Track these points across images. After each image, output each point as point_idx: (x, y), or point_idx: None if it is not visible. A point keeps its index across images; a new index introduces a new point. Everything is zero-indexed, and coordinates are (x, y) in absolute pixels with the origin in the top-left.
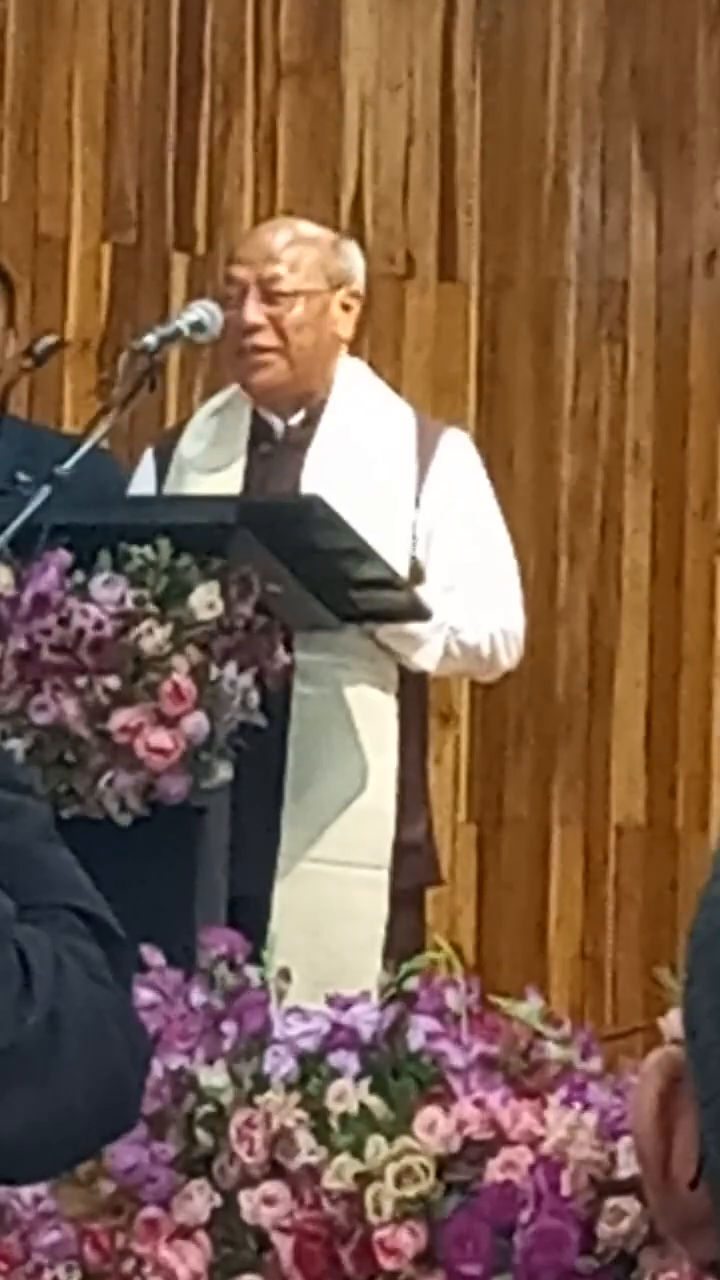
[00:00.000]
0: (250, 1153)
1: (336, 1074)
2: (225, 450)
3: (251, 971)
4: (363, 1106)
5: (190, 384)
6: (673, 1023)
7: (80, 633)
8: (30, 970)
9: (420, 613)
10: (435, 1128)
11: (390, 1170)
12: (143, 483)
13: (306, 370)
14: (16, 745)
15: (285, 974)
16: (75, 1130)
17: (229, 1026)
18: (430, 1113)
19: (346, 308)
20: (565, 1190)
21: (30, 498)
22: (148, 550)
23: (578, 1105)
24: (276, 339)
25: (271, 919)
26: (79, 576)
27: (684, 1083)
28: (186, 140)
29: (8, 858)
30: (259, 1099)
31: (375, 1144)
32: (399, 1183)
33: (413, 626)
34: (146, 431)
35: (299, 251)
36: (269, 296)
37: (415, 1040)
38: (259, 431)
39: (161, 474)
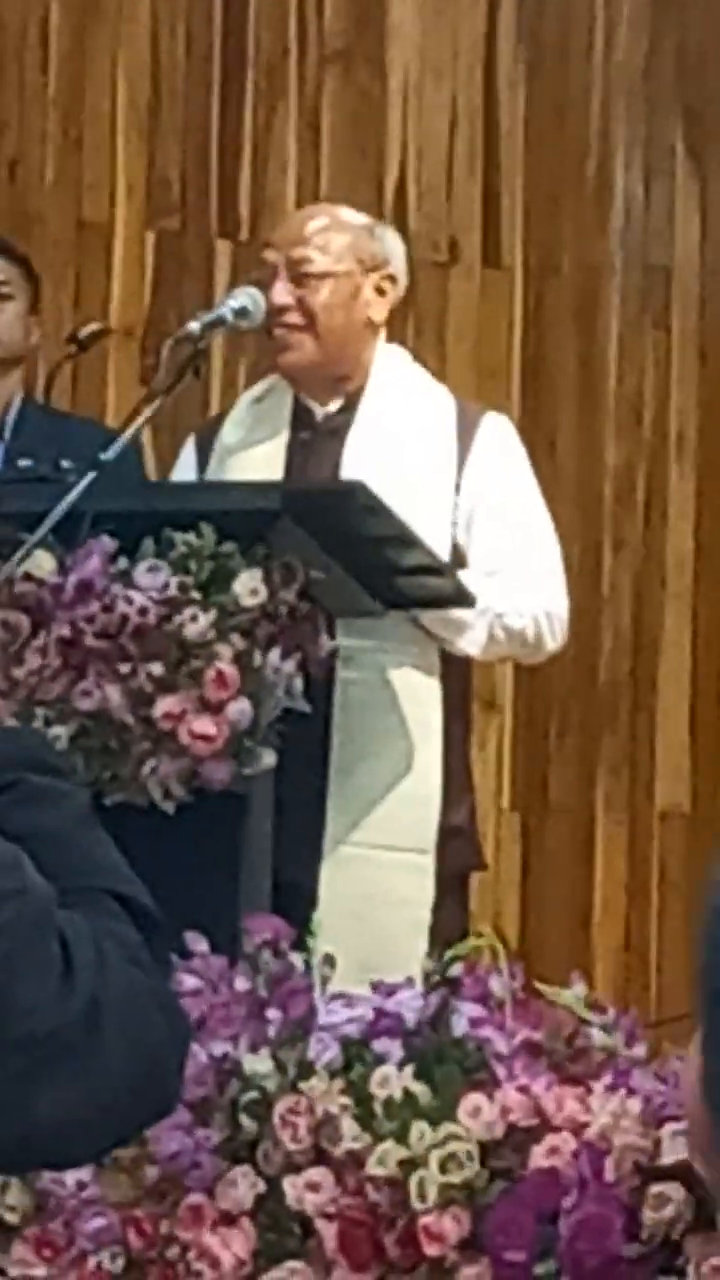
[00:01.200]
0: (294, 1139)
1: (381, 1060)
2: (266, 437)
3: (295, 958)
4: (407, 1093)
5: (234, 371)
6: None
7: (124, 619)
8: (71, 956)
9: (464, 599)
10: (479, 1114)
11: (434, 1157)
12: (184, 471)
13: (337, 353)
14: (61, 732)
15: (329, 960)
16: (116, 1114)
17: (273, 1013)
18: (474, 1099)
19: (381, 291)
20: (609, 1176)
21: (73, 484)
22: (191, 537)
23: (622, 1091)
24: (303, 319)
25: (316, 905)
26: (123, 563)
27: None
28: (230, 127)
29: (48, 843)
30: (303, 1085)
31: (419, 1130)
32: (443, 1169)
33: (457, 612)
34: (190, 419)
35: (330, 234)
36: (298, 278)
37: (459, 1026)
38: (299, 418)
39: (203, 462)
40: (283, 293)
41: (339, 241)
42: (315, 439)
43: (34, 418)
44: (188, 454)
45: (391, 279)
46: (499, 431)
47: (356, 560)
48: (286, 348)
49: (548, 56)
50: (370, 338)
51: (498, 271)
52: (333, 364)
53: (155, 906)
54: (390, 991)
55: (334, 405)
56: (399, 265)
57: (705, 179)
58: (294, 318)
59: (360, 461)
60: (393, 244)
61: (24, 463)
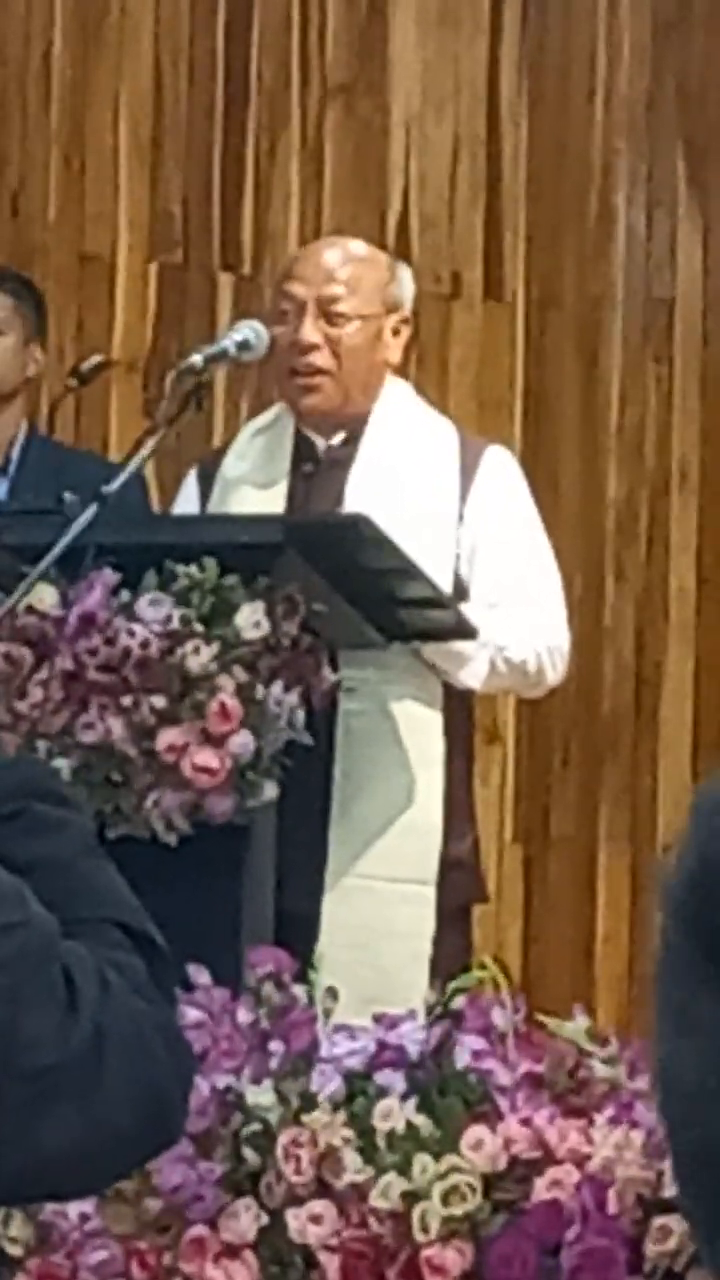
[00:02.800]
0: (297, 1171)
1: (383, 1092)
2: (268, 469)
3: (298, 990)
4: (409, 1125)
5: (237, 403)
6: None
7: (126, 652)
8: (75, 988)
9: (466, 631)
10: (482, 1146)
11: (437, 1189)
12: (187, 502)
13: (355, 395)
14: (63, 765)
15: (332, 992)
16: (120, 1145)
17: (276, 1045)
18: (477, 1131)
19: (396, 333)
20: (612, 1209)
21: (75, 517)
22: (194, 569)
23: (625, 1124)
24: (331, 360)
25: (319, 937)
26: (125, 596)
27: None
28: (232, 160)
29: (52, 872)
30: (306, 1118)
31: (422, 1163)
32: (446, 1201)
33: (458, 645)
34: (193, 451)
35: (359, 273)
36: (328, 316)
37: (462, 1059)
38: (302, 450)
39: (205, 494)
40: (311, 331)
41: (369, 282)
42: (318, 472)
43: (39, 451)
44: (190, 485)
45: (406, 321)
46: (501, 465)
47: (359, 592)
48: (309, 390)
49: (550, 89)
50: (383, 376)
51: (499, 304)
52: (348, 406)
53: (160, 937)
54: (393, 1024)
55: (337, 438)
56: (410, 304)
57: (707, 211)
58: (321, 358)
59: (363, 494)
60: (409, 284)
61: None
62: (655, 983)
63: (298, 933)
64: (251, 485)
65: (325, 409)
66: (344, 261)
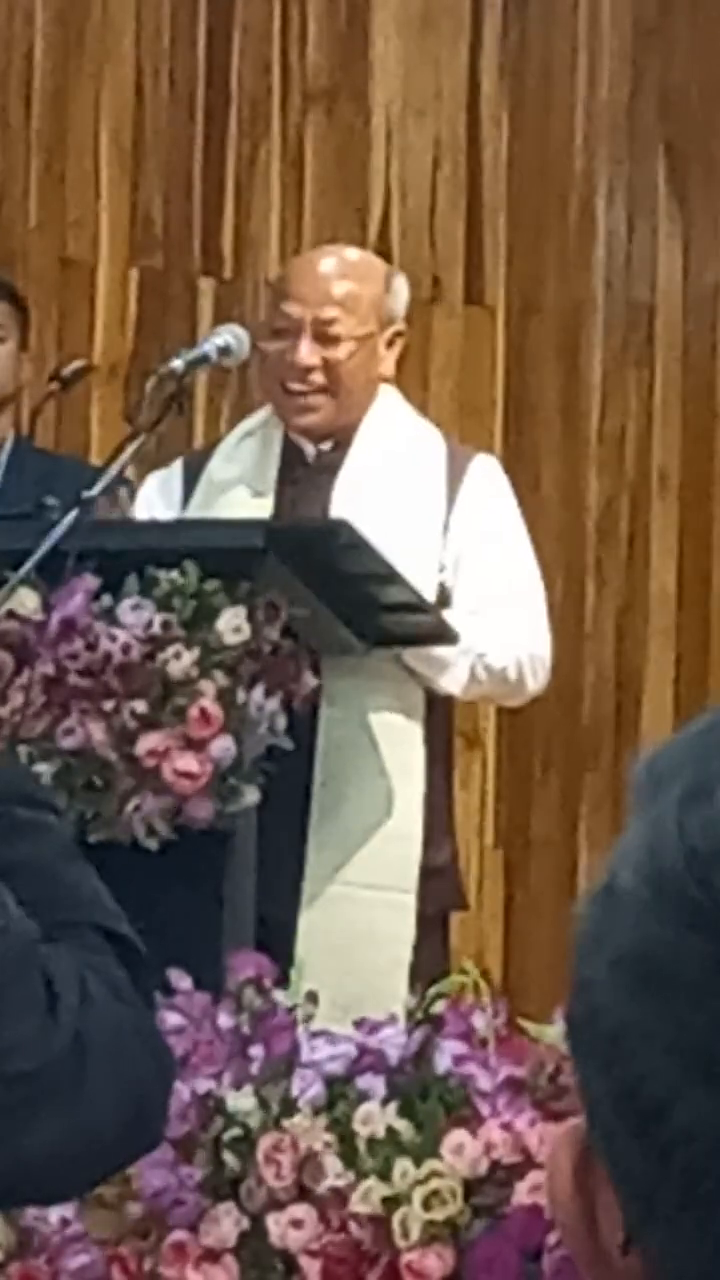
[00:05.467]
0: (278, 1176)
1: (364, 1097)
2: (256, 474)
3: (279, 995)
4: (390, 1130)
5: (218, 408)
6: None
7: (107, 657)
8: (55, 993)
9: (447, 637)
10: (463, 1151)
11: (417, 1194)
12: (169, 491)
13: (351, 412)
14: (44, 770)
15: (312, 997)
16: (101, 1150)
17: (256, 1050)
18: (457, 1136)
19: (391, 344)
20: None
21: (57, 522)
22: (175, 574)
23: None
24: (326, 380)
25: (298, 943)
26: (106, 601)
27: (595, 1156)
28: (213, 165)
29: (31, 876)
30: (286, 1122)
31: (402, 1167)
32: (426, 1206)
33: (439, 650)
34: (173, 456)
35: (356, 292)
36: (324, 339)
37: (442, 1063)
38: (290, 456)
39: (189, 489)
40: (309, 352)
41: (366, 300)
42: (306, 477)
43: (28, 458)
44: (174, 475)
45: (400, 334)
46: (488, 474)
47: (340, 598)
48: (305, 410)
49: (531, 94)
50: (377, 390)
51: (480, 309)
52: (344, 420)
53: (139, 940)
54: (373, 1029)
55: (325, 444)
56: (403, 313)
57: (688, 216)
58: (318, 378)
59: (350, 501)
60: (402, 294)
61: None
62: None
63: (278, 938)
64: (238, 489)
65: (321, 428)
66: (341, 280)
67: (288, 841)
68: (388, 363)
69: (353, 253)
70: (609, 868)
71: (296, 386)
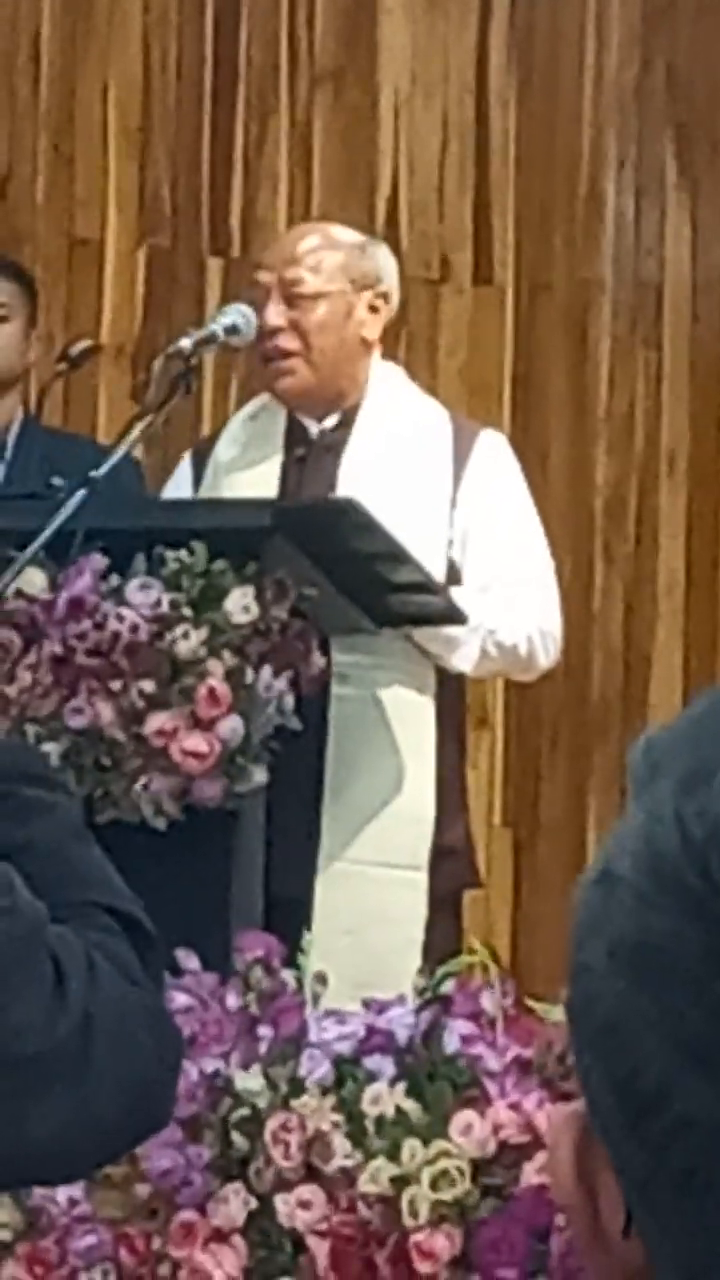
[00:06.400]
0: (286, 1156)
1: (372, 1077)
2: (261, 454)
3: (287, 975)
4: (398, 1110)
5: (225, 388)
6: None
7: (115, 636)
8: (63, 974)
9: (456, 616)
10: (471, 1131)
11: (426, 1174)
12: (180, 487)
13: (331, 373)
14: (52, 749)
15: (321, 977)
16: (108, 1131)
17: (265, 1030)
18: (466, 1116)
19: (374, 309)
20: None
21: (65, 502)
22: (183, 554)
23: None
24: (298, 342)
25: (310, 922)
26: (114, 580)
27: (595, 1139)
28: (221, 145)
29: (40, 856)
30: (294, 1102)
31: (411, 1148)
32: (435, 1186)
33: (449, 629)
34: (181, 436)
35: (322, 254)
36: (290, 299)
37: (451, 1044)
38: (294, 435)
39: (198, 478)
40: (275, 314)
41: (331, 261)
42: (310, 456)
43: (35, 437)
44: (184, 470)
45: (384, 296)
46: (495, 449)
47: (349, 577)
48: (281, 373)
49: (539, 74)
50: (364, 356)
51: (489, 288)
52: (326, 385)
53: (149, 920)
54: (382, 1009)
55: (329, 422)
56: (391, 282)
57: (696, 196)
58: (287, 340)
59: (356, 479)
60: (385, 261)
61: (57, 481)
62: None
63: (287, 918)
64: (244, 470)
65: (299, 390)
66: (308, 244)
67: (299, 821)
68: (370, 327)
69: (328, 227)
70: (606, 854)
71: (268, 350)
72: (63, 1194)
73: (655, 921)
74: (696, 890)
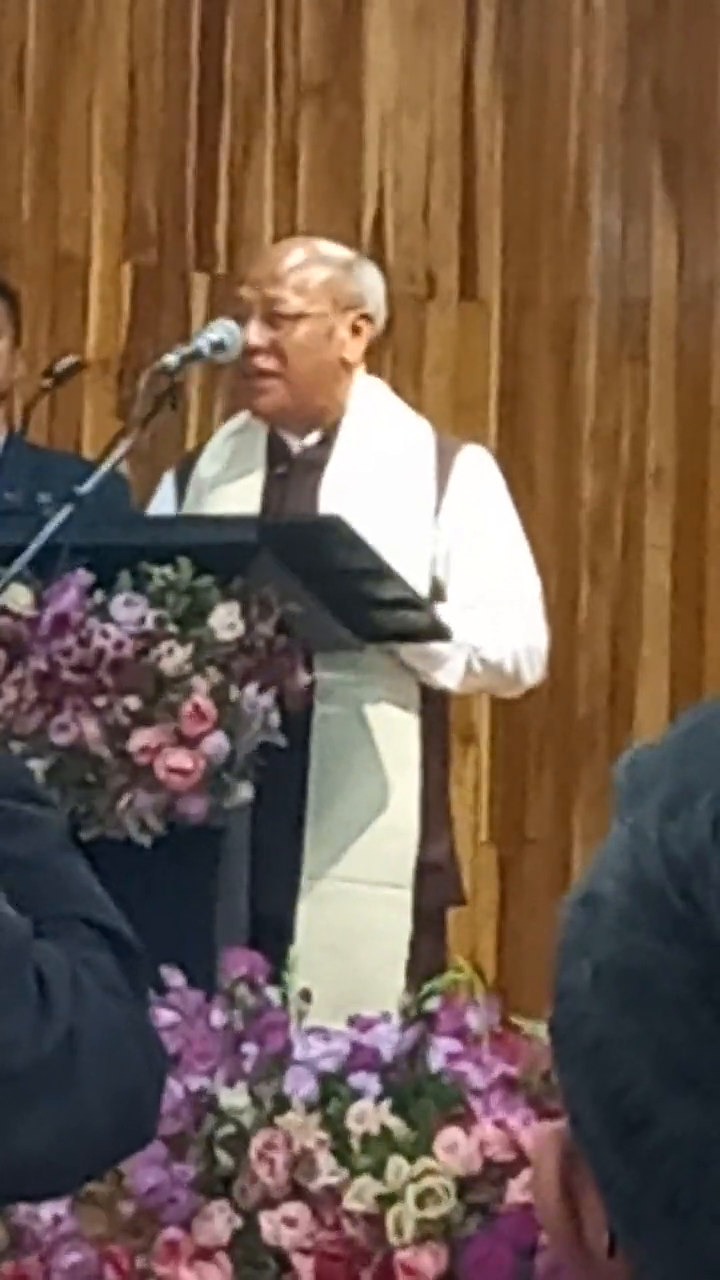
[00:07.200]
0: (271, 1174)
1: (357, 1095)
2: (242, 471)
3: (272, 992)
4: (383, 1127)
5: (211, 404)
6: None
7: (100, 653)
8: (48, 989)
9: (441, 633)
10: (456, 1149)
11: (411, 1191)
12: (163, 505)
13: (309, 394)
14: (37, 765)
15: (306, 994)
16: (94, 1146)
17: (249, 1047)
18: (451, 1134)
19: (356, 331)
20: None
21: (50, 518)
22: (168, 570)
23: None
24: (276, 363)
25: (295, 939)
26: (99, 597)
27: (580, 1158)
28: (207, 160)
29: (25, 870)
30: (280, 1120)
31: (396, 1165)
32: (420, 1204)
33: (435, 645)
34: (166, 452)
35: (306, 274)
36: (271, 319)
37: (436, 1061)
38: (276, 452)
39: (180, 496)
40: (255, 334)
41: (315, 281)
42: (292, 473)
43: (21, 453)
44: (166, 488)
45: (367, 318)
46: (477, 464)
47: (334, 594)
48: (258, 392)
49: (525, 89)
50: (344, 376)
51: (475, 304)
52: (304, 406)
53: (133, 935)
54: (367, 1026)
55: (311, 439)
56: (376, 302)
57: (682, 212)
58: (265, 360)
59: (338, 495)
60: (371, 281)
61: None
62: None
63: (272, 935)
64: (226, 487)
65: (275, 409)
66: (291, 263)
67: (283, 838)
68: (351, 348)
69: (313, 243)
70: (590, 874)
71: (247, 369)
72: (47, 1211)
73: (639, 943)
74: (680, 912)
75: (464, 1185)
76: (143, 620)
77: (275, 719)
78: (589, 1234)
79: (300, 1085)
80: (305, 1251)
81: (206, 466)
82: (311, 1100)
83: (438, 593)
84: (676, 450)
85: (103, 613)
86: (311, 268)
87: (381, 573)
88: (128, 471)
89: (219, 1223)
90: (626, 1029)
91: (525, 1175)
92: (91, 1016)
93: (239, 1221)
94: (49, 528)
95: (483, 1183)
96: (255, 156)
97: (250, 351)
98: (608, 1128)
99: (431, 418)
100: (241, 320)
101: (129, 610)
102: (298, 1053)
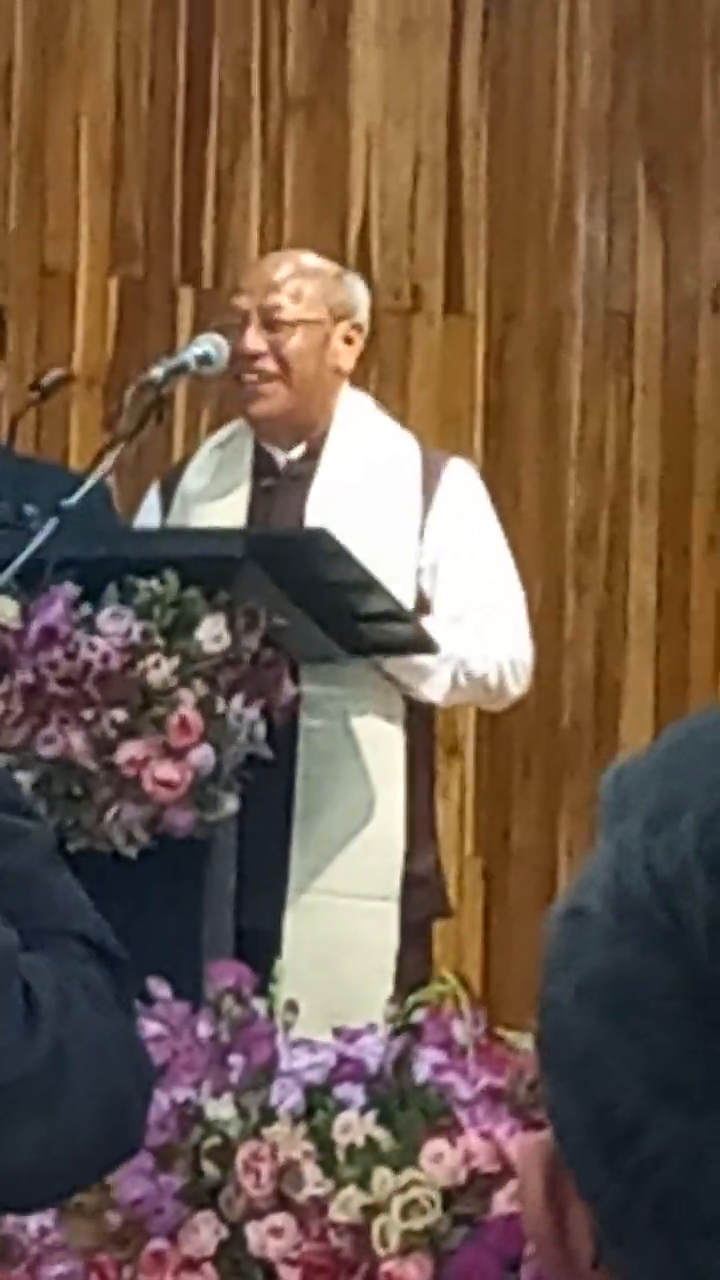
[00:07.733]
0: (257, 1185)
1: (343, 1106)
2: (228, 484)
3: (258, 1004)
4: (369, 1139)
5: (197, 417)
6: None
7: (87, 666)
8: (35, 1002)
9: (426, 645)
10: (442, 1160)
11: (397, 1202)
12: (148, 517)
13: (307, 400)
14: (24, 778)
15: (292, 1006)
16: (81, 1158)
17: (236, 1059)
18: (437, 1145)
19: (348, 340)
20: None
21: (36, 531)
22: (154, 583)
23: None
24: (277, 367)
25: (281, 950)
26: (85, 609)
27: (565, 1169)
28: (193, 174)
29: (11, 883)
30: (266, 1131)
31: (382, 1176)
32: (405, 1215)
33: (420, 658)
34: (153, 465)
35: (301, 282)
36: (270, 325)
37: (422, 1072)
38: (261, 465)
39: (165, 508)
40: (255, 340)
41: (311, 289)
42: (278, 486)
43: (8, 466)
44: (151, 500)
45: (358, 328)
46: (463, 478)
47: (320, 606)
48: (257, 396)
49: (511, 102)
50: (337, 386)
51: (460, 317)
52: (301, 411)
53: (120, 946)
54: (353, 1037)
55: (296, 452)
56: (364, 314)
57: (667, 223)
58: (266, 364)
59: (323, 508)
60: (359, 293)
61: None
62: None
63: (258, 947)
64: (212, 499)
65: (276, 414)
66: (286, 272)
67: (269, 850)
68: (344, 358)
69: (303, 254)
70: (575, 888)
71: (248, 376)
72: (33, 1222)
73: (624, 957)
74: (664, 926)
75: (449, 1196)
76: (129, 633)
77: (261, 731)
78: (574, 1246)
79: (286, 1096)
80: (291, 1262)
81: (192, 479)
82: (297, 1111)
83: (423, 606)
84: (661, 461)
85: (89, 625)
86: (305, 277)
87: (367, 586)
88: (113, 484)
89: (205, 1233)
90: (613, 1042)
91: (511, 1186)
92: (78, 1028)
93: (225, 1232)
94: (35, 541)
95: (468, 1194)
96: (241, 170)
97: (250, 356)
98: (595, 1140)
99: (417, 430)
100: (231, 331)
101: (115, 623)
102: (284, 1064)
